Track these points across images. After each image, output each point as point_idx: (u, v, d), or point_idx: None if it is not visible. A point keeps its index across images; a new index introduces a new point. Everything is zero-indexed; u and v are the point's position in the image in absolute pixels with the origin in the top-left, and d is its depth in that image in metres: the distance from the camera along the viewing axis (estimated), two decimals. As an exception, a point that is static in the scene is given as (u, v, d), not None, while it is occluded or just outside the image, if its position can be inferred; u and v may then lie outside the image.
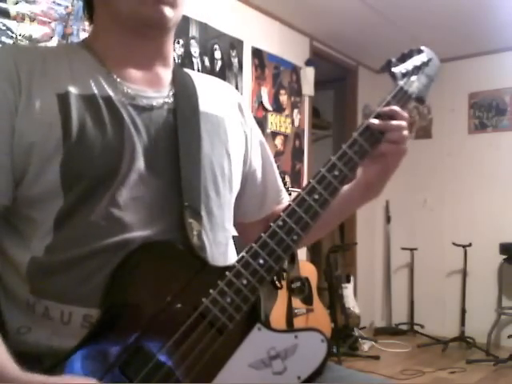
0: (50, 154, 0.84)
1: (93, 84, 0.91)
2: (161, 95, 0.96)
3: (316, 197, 0.90)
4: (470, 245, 4.68)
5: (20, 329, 0.86)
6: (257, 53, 4.01)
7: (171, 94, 0.98)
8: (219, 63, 3.67)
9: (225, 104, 1.07)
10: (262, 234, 0.87)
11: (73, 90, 0.88)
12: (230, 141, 1.03)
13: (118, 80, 0.93)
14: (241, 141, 1.08)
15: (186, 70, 1.08)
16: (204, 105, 1.01)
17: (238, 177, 1.04)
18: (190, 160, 0.93)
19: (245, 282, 0.84)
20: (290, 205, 0.89)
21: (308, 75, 4.44)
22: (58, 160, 0.84)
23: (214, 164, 0.97)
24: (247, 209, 1.11)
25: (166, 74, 1.00)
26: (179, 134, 0.93)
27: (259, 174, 1.13)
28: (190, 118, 0.97)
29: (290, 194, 3.91)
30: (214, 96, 1.06)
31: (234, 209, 1.05)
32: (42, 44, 2.67)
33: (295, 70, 4.40)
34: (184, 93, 0.99)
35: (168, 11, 0.91)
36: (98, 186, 0.85)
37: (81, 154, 0.85)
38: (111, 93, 0.91)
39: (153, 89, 0.96)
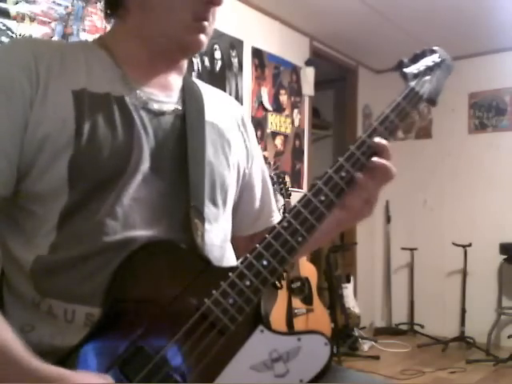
0: (60, 149, 0.84)
1: (107, 83, 0.92)
2: (171, 100, 0.98)
3: (322, 198, 0.89)
4: (469, 245, 4.67)
5: (24, 327, 0.85)
6: (257, 53, 4.01)
7: (180, 100, 0.99)
8: (219, 63, 3.67)
9: (229, 117, 1.09)
10: (267, 235, 0.86)
11: (88, 87, 0.89)
12: (232, 153, 1.04)
13: (132, 82, 0.94)
14: (242, 154, 1.09)
15: (194, 79, 1.09)
16: (210, 115, 1.02)
17: (234, 189, 1.05)
18: (197, 165, 0.94)
19: (248, 283, 0.83)
20: (295, 206, 0.88)
21: (308, 75, 4.44)
22: (67, 156, 0.84)
23: (215, 173, 0.98)
24: (241, 222, 1.11)
25: (177, 80, 1.02)
26: (188, 139, 0.94)
27: (258, 190, 1.14)
28: (197, 125, 0.98)
29: (290, 194, 3.90)
30: (219, 108, 1.07)
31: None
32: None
33: (295, 70, 4.40)
34: (192, 100, 1.01)
35: (204, 39, 0.95)
36: (103, 185, 0.86)
37: (90, 152, 0.85)
38: (124, 94, 0.92)
39: (164, 93, 0.97)
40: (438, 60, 1.03)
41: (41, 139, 0.84)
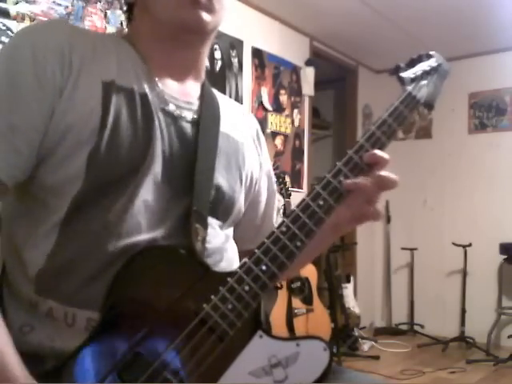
0: (83, 140, 0.83)
1: (134, 78, 0.91)
2: (190, 107, 0.97)
3: (321, 203, 0.88)
4: (469, 245, 4.68)
5: (23, 328, 0.85)
6: (257, 53, 4.01)
7: (198, 108, 0.99)
8: (219, 63, 3.67)
9: (245, 130, 1.09)
10: (265, 240, 0.85)
11: (117, 79, 0.89)
12: (246, 166, 1.04)
13: (156, 80, 0.94)
14: (256, 168, 1.09)
15: (213, 89, 1.08)
16: (225, 126, 1.02)
17: (242, 202, 1.04)
18: (204, 172, 0.93)
19: (247, 288, 0.82)
20: (294, 210, 0.87)
21: (308, 75, 4.44)
22: (87, 148, 0.83)
23: (223, 186, 0.97)
24: (240, 235, 1.09)
25: (196, 87, 1.02)
26: (199, 147, 0.93)
27: (262, 207, 1.14)
28: (210, 134, 0.97)
29: (290, 194, 3.90)
30: (235, 120, 1.07)
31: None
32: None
33: (295, 70, 4.40)
34: (209, 109, 1.00)
35: (205, 16, 0.92)
36: (117, 182, 0.85)
37: (110, 147, 0.84)
38: (148, 92, 0.91)
39: (183, 99, 0.97)
40: (435, 64, 1.03)
41: (65, 128, 0.83)
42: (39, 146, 0.84)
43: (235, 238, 1.06)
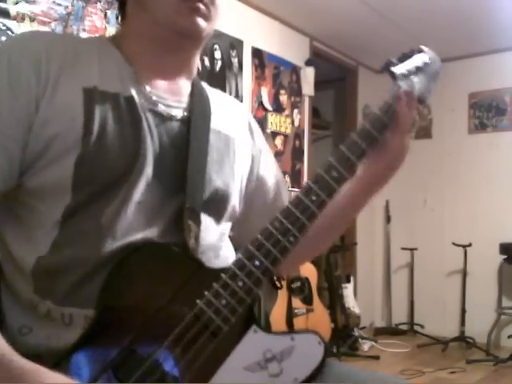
0: (68, 148, 0.83)
1: (118, 82, 0.91)
2: (180, 105, 0.97)
3: (313, 198, 0.88)
4: (470, 245, 4.68)
5: (21, 329, 0.85)
6: (257, 53, 4.01)
7: (188, 106, 0.98)
8: (219, 63, 3.67)
9: (236, 124, 1.08)
10: (258, 236, 0.85)
11: (99, 85, 0.88)
12: (237, 162, 1.04)
13: (143, 81, 0.93)
14: (247, 163, 1.08)
15: (203, 83, 1.08)
16: (216, 122, 1.01)
17: (236, 199, 1.03)
18: (196, 170, 0.93)
19: (240, 283, 0.83)
20: (286, 206, 0.88)
21: (308, 75, 4.44)
22: (74, 156, 0.83)
23: (216, 182, 0.97)
24: (252, 231, 1.09)
25: (187, 85, 1.01)
26: (190, 145, 0.93)
27: (269, 197, 1.13)
28: (201, 131, 0.97)
29: (289, 195, 3.90)
30: (226, 115, 1.06)
31: (241, 224, 1.07)
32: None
33: (295, 70, 4.40)
34: (199, 107, 1.00)
35: (202, 23, 0.92)
36: (109, 187, 0.85)
37: (97, 153, 0.84)
38: (134, 94, 0.91)
39: (173, 98, 0.97)
40: (427, 59, 1.03)
41: (49, 138, 0.83)
42: (21, 157, 0.83)
43: (246, 234, 1.03)
